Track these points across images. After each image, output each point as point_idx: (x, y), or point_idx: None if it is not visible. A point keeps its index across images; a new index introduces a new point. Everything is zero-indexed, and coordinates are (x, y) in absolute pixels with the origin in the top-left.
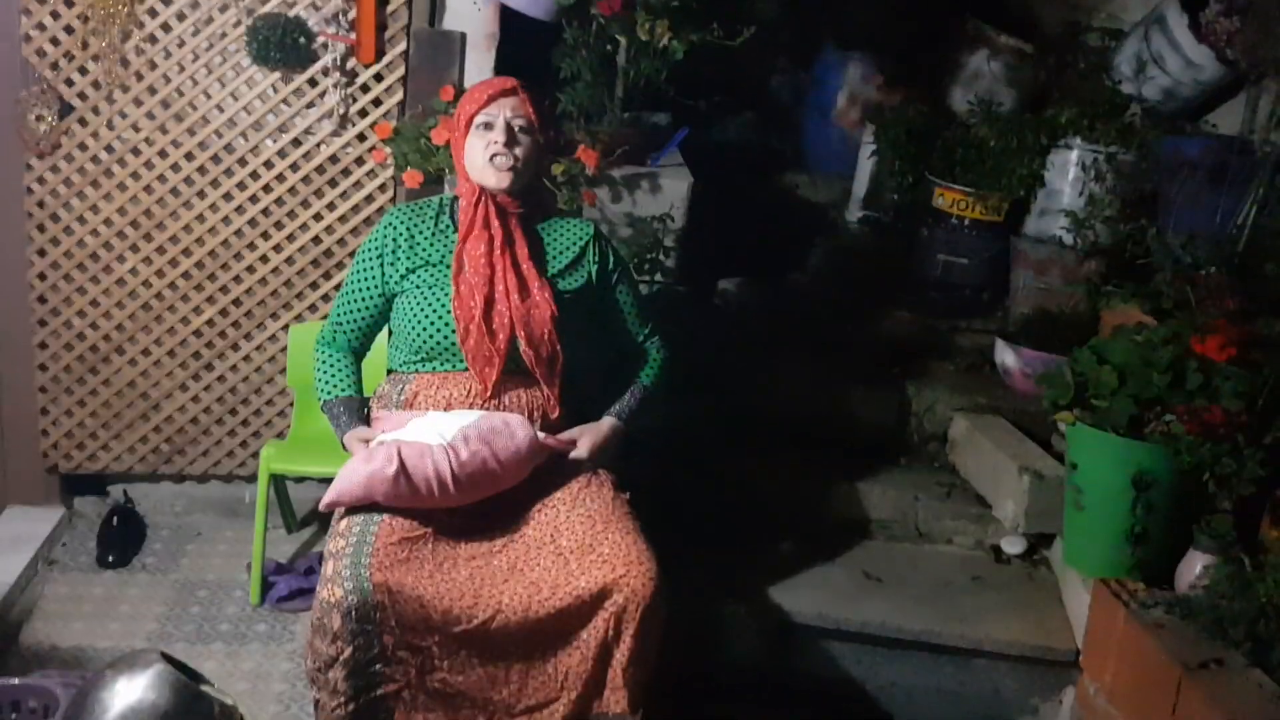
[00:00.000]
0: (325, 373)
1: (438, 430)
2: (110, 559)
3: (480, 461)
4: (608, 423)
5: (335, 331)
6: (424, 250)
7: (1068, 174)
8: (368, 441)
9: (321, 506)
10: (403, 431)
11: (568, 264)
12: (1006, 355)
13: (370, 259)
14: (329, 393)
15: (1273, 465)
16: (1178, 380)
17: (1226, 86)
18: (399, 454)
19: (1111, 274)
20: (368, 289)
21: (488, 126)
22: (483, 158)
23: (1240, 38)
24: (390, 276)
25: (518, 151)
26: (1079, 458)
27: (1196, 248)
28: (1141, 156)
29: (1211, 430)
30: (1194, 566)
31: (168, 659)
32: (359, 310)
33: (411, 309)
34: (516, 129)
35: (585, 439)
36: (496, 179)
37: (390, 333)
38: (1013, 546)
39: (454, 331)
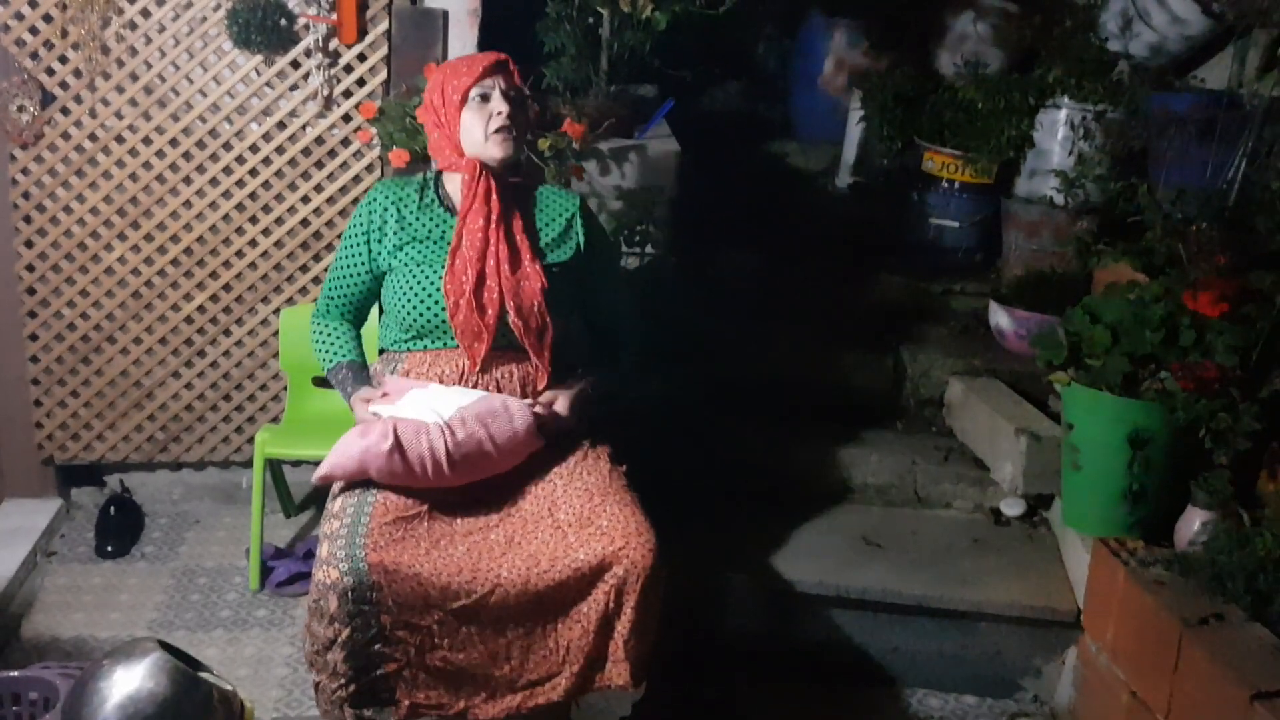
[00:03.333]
0: (324, 341)
1: (435, 408)
2: (109, 549)
3: (476, 443)
4: (575, 386)
5: (329, 305)
6: (412, 226)
7: (1057, 133)
8: (370, 402)
9: (314, 479)
10: (401, 406)
11: (556, 236)
12: (1000, 317)
13: (357, 236)
14: (331, 359)
15: (1268, 419)
16: (1171, 337)
17: (1213, 40)
18: (395, 431)
19: (1103, 233)
20: (355, 265)
21: (485, 99)
22: (484, 131)
23: None
24: (378, 253)
25: (519, 119)
26: (1075, 417)
27: (1187, 203)
28: (1130, 113)
29: (1206, 386)
30: (1192, 523)
31: (165, 646)
32: (349, 285)
33: (401, 287)
34: (513, 98)
35: (561, 397)
36: (502, 150)
37: (382, 311)
38: (1012, 508)
39: (444, 309)
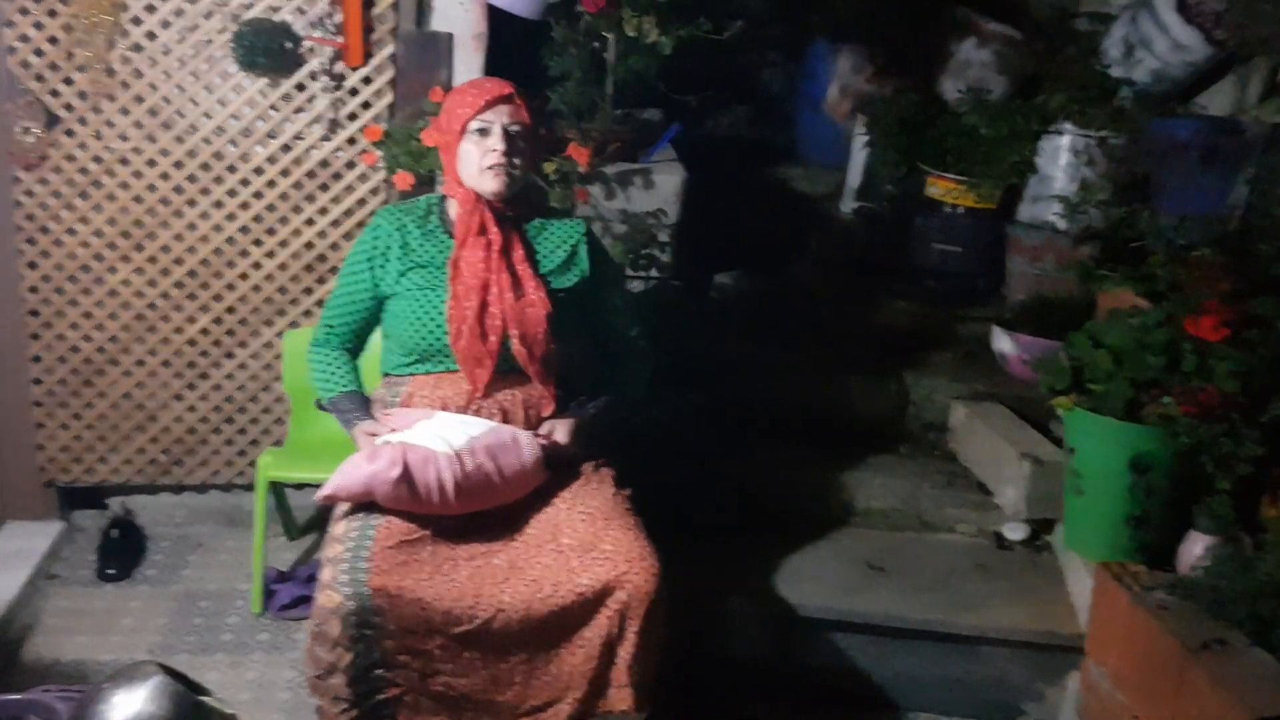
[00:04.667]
0: (323, 372)
1: (444, 437)
2: (111, 572)
3: (484, 475)
4: (575, 416)
5: (328, 334)
6: (415, 252)
7: (1059, 159)
8: (376, 436)
9: (317, 498)
10: (410, 434)
11: (560, 262)
12: (1003, 342)
13: (360, 263)
14: (330, 391)
15: (1270, 444)
16: (1173, 362)
17: (1215, 67)
18: (404, 458)
19: (1105, 258)
20: (358, 292)
21: (484, 133)
22: (479, 165)
23: (1227, 18)
24: (381, 279)
25: (515, 159)
26: (1077, 442)
27: (1189, 229)
28: (1132, 140)
29: (1208, 411)
30: (1195, 548)
31: (167, 670)
32: (350, 312)
33: (404, 311)
34: (513, 135)
35: (560, 427)
36: (494, 186)
37: (384, 335)
38: (1015, 533)
39: (446, 334)
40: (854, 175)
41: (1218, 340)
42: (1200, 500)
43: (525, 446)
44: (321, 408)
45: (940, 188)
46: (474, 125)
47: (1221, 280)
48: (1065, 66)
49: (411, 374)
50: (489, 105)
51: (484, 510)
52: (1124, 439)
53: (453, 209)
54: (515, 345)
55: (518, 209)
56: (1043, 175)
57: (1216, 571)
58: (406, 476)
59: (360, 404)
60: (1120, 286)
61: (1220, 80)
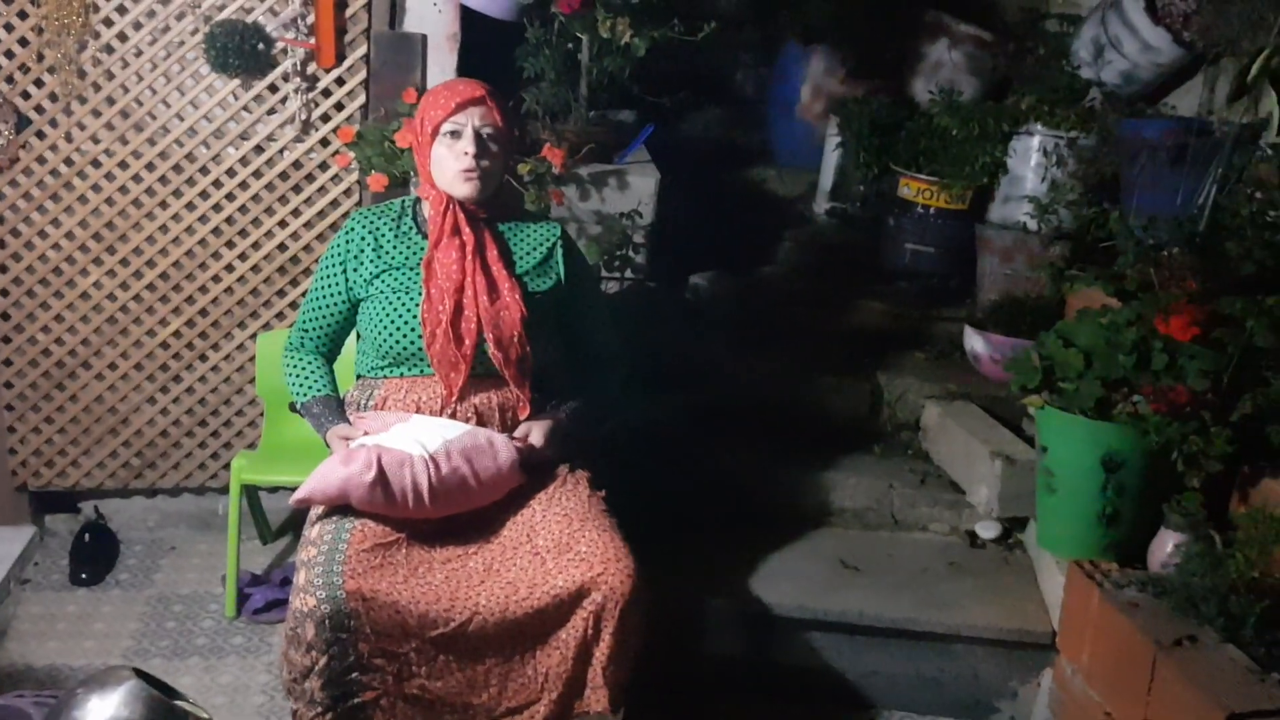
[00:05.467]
0: (297, 376)
1: (419, 440)
2: (83, 576)
3: (460, 479)
4: (550, 418)
5: (302, 338)
6: (389, 254)
7: (1030, 160)
8: (349, 440)
9: (291, 502)
10: (385, 436)
11: (536, 265)
12: (975, 341)
13: (333, 265)
14: (304, 394)
15: (1239, 442)
16: (1143, 361)
17: (1184, 68)
18: (379, 461)
19: (1076, 258)
20: (332, 295)
21: (455, 135)
22: (452, 168)
23: (1196, 19)
24: (354, 282)
25: (485, 162)
26: (1049, 441)
27: (1158, 229)
28: (1102, 140)
29: (1178, 409)
30: (1165, 545)
31: (141, 675)
32: (324, 316)
33: (378, 314)
34: (485, 137)
35: (535, 429)
36: (466, 189)
37: (358, 338)
38: (987, 531)
39: (420, 337)
40: (827, 176)
41: (1187, 339)
42: (1171, 498)
43: (501, 449)
44: (295, 411)
45: (912, 188)
46: (446, 127)
47: (1191, 280)
48: (1035, 68)
49: (385, 377)
50: (460, 108)
51: (459, 513)
52: (1095, 437)
53: (427, 210)
54: (491, 349)
55: (492, 210)
56: (1013, 176)
57: (1187, 569)
58: (381, 479)
59: (334, 408)
60: (1090, 286)
61: (1189, 81)
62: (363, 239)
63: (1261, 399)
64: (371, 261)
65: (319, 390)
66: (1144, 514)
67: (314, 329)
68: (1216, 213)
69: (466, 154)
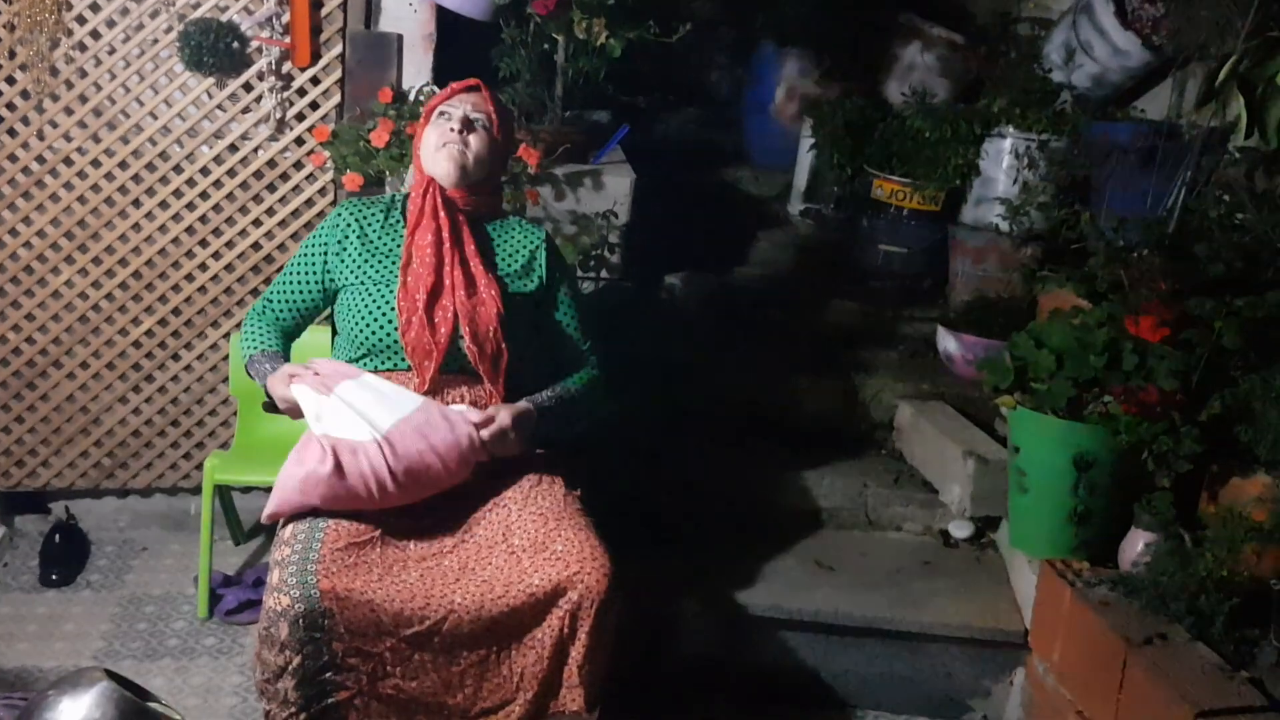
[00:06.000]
0: (251, 334)
1: (370, 420)
2: (54, 577)
3: (417, 454)
4: (521, 403)
5: (265, 306)
6: (373, 242)
7: (1002, 162)
8: (296, 377)
9: (264, 519)
10: (333, 426)
11: (518, 267)
12: (948, 342)
13: (315, 248)
14: (252, 348)
15: (1208, 442)
16: (1114, 361)
17: (1153, 72)
18: (333, 451)
19: (1047, 259)
20: (307, 275)
21: (445, 116)
22: (435, 143)
23: (1165, 24)
24: (334, 268)
25: (470, 139)
26: (1021, 441)
27: (1128, 231)
28: (1073, 143)
29: (1148, 410)
30: (1136, 544)
31: (113, 676)
32: (294, 293)
33: (356, 304)
34: (474, 121)
35: (503, 410)
36: (445, 167)
37: (334, 333)
38: (960, 531)
39: (396, 328)
40: (801, 177)
41: (1157, 340)
42: (1141, 497)
43: (456, 422)
44: (271, 406)
45: (886, 189)
46: (440, 109)
47: (1160, 281)
48: (1007, 71)
49: (360, 369)
50: (455, 93)
51: (434, 508)
52: (1066, 437)
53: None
54: (466, 343)
55: (477, 206)
56: (985, 177)
57: (1157, 567)
58: (338, 470)
59: (278, 360)
60: (1062, 287)
61: (1158, 85)
62: (349, 226)
63: (1230, 399)
64: (356, 250)
65: (269, 346)
66: (1115, 513)
67: (280, 302)
68: (1185, 215)
69: (452, 130)
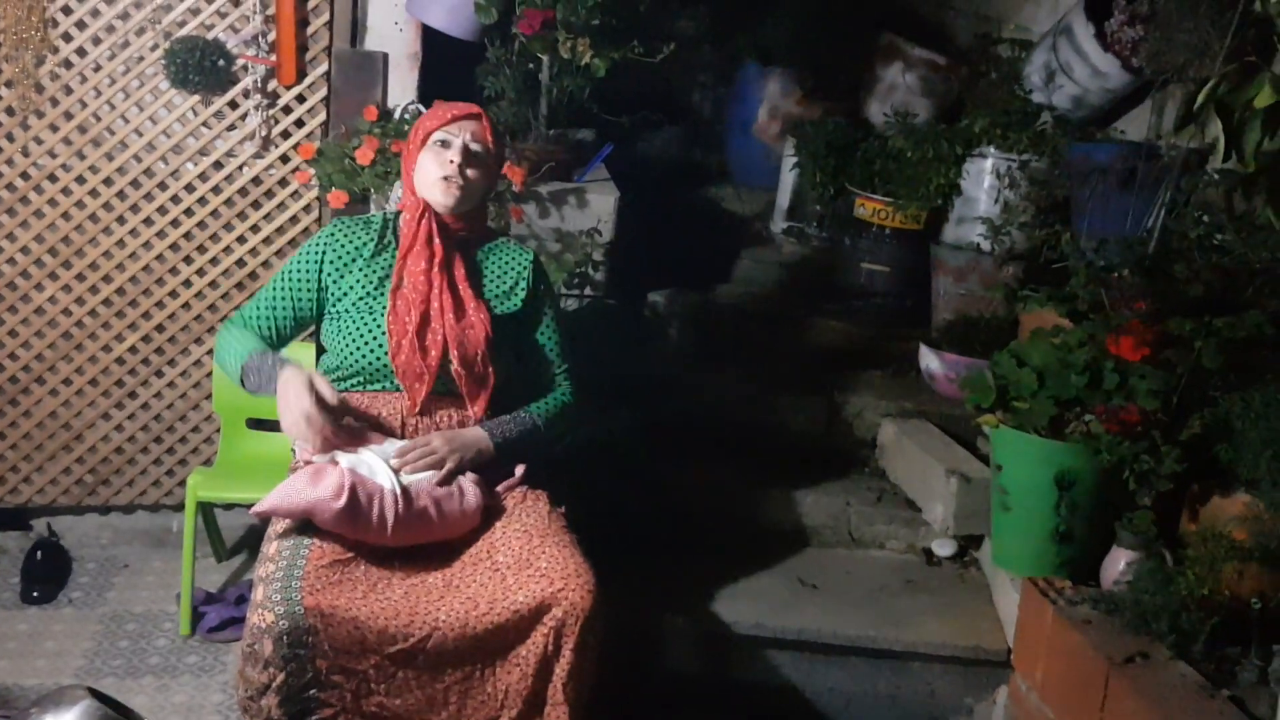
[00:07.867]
0: (232, 345)
1: (391, 467)
2: (35, 594)
3: (423, 515)
4: (473, 431)
5: (243, 319)
6: (363, 265)
7: (983, 182)
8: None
9: (253, 512)
10: (356, 460)
11: (506, 289)
12: (930, 360)
13: (309, 262)
14: (242, 354)
15: (1189, 461)
16: (1095, 380)
17: (1133, 93)
18: (352, 490)
19: (1028, 278)
20: (290, 294)
21: (444, 145)
22: (435, 175)
23: (1144, 47)
24: (326, 285)
25: (470, 173)
26: (1003, 459)
27: (1109, 251)
28: (1053, 163)
29: (1129, 429)
30: (1118, 563)
31: (95, 694)
32: (275, 310)
33: (345, 325)
34: (473, 152)
35: (438, 436)
36: (444, 198)
37: (319, 354)
38: (943, 549)
39: (386, 351)
40: (784, 196)
41: (1138, 359)
42: (1122, 516)
43: (470, 495)
44: (255, 422)
45: (868, 209)
46: (438, 135)
47: (1140, 301)
48: (988, 91)
49: (348, 390)
50: (455, 119)
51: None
52: (1048, 456)
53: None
54: (455, 366)
55: (467, 228)
56: (967, 197)
57: (1139, 586)
58: (351, 508)
59: (280, 359)
60: (1043, 307)
61: (1138, 106)
62: (340, 246)
63: (1210, 418)
64: (345, 271)
65: (257, 349)
66: (1096, 532)
67: (258, 319)
68: (1165, 235)
69: (452, 162)
